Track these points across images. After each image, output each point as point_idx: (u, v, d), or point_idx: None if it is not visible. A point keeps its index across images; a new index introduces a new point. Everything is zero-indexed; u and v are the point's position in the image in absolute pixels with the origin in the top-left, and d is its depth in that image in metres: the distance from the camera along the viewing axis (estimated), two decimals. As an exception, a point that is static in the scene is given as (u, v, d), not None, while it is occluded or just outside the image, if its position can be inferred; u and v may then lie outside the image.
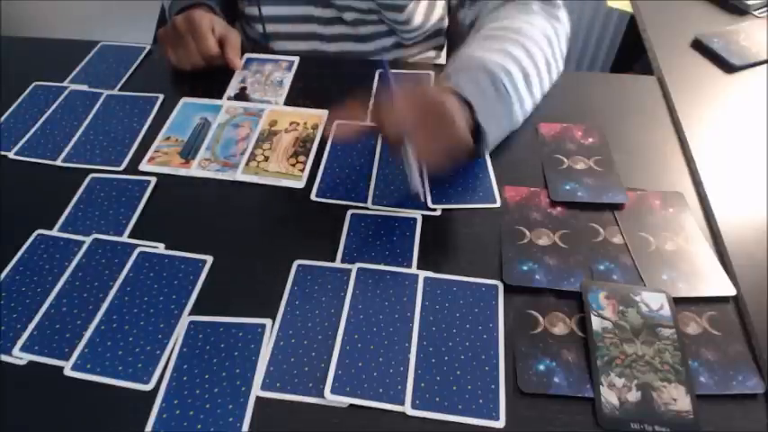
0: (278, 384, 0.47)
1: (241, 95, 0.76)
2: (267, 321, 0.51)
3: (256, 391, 0.46)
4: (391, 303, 0.52)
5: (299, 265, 0.55)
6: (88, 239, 0.58)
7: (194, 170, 0.66)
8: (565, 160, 0.64)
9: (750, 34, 0.82)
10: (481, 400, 0.45)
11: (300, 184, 0.63)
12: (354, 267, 0.54)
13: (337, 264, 0.55)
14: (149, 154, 0.68)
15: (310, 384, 0.47)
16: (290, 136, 0.69)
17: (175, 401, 0.46)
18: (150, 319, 0.51)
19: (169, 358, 0.49)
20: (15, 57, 0.84)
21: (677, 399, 0.45)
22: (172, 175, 0.65)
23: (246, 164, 0.66)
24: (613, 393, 0.45)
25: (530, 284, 0.53)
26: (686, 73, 0.77)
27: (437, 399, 0.45)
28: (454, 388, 0.46)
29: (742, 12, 0.88)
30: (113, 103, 0.75)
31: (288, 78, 0.78)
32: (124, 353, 0.49)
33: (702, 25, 0.84)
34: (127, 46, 0.85)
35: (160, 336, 0.50)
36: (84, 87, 0.77)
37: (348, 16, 0.84)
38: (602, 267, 0.54)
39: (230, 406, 0.46)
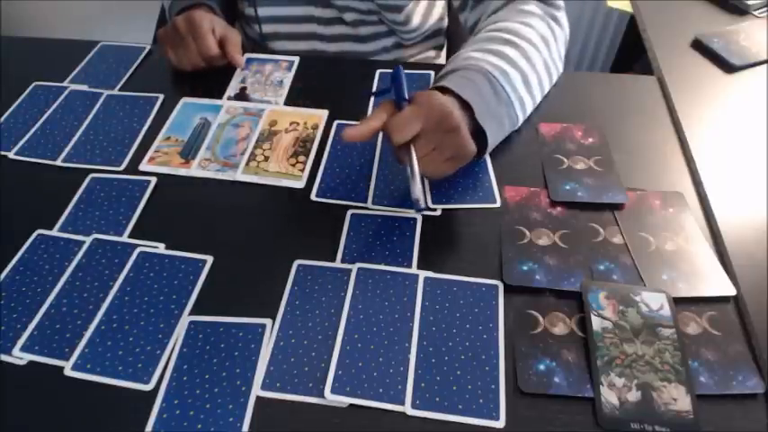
0: (278, 384, 0.47)
1: (241, 95, 0.76)
2: (267, 321, 0.51)
3: (256, 391, 0.46)
4: (391, 303, 0.52)
5: (299, 265, 0.55)
6: (88, 239, 0.58)
7: (194, 170, 0.66)
8: (565, 160, 0.64)
9: (750, 34, 0.82)
10: (481, 400, 0.45)
11: (300, 184, 0.63)
12: (354, 267, 0.55)
13: (337, 264, 0.55)
14: (149, 154, 0.68)
15: (310, 384, 0.47)
16: (290, 136, 0.69)
17: (175, 401, 0.46)
18: (150, 319, 0.51)
19: (169, 358, 0.49)
20: (15, 57, 0.84)
21: (677, 399, 0.45)
22: (172, 175, 0.65)
23: (246, 164, 0.66)
24: (613, 393, 0.45)
25: (530, 284, 0.53)
26: (686, 73, 0.77)
27: (437, 399, 0.45)
28: (454, 388, 0.46)
29: (742, 12, 0.88)
30: (113, 103, 0.75)
31: (288, 78, 0.78)
32: (124, 353, 0.49)
33: (702, 25, 0.84)
34: (127, 46, 0.85)
35: (160, 336, 0.50)
36: (84, 87, 0.77)
37: (348, 17, 0.84)
38: (602, 267, 0.54)
39: (230, 406, 0.46)
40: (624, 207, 0.59)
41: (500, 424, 0.44)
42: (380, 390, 0.46)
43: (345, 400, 0.46)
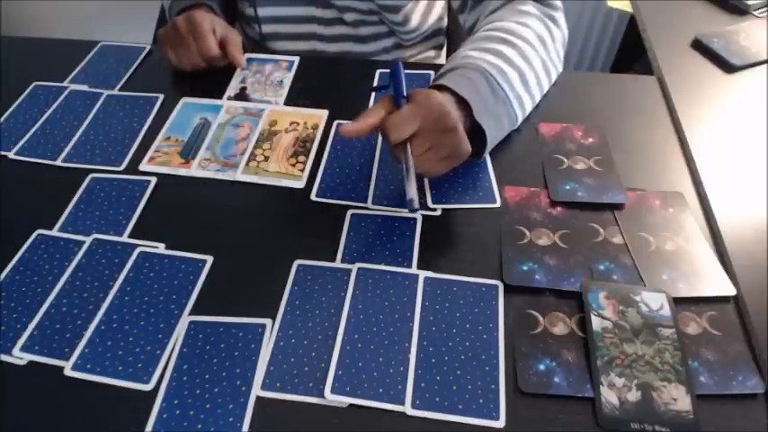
0: (278, 384, 0.47)
1: (241, 95, 0.76)
2: (267, 321, 0.51)
3: (256, 391, 0.46)
4: (391, 303, 0.52)
5: (299, 265, 0.55)
6: (88, 239, 0.58)
7: (194, 170, 0.66)
8: (565, 160, 0.64)
9: (750, 34, 0.82)
10: (481, 400, 0.45)
11: (300, 184, 0.63)
12: (354, 267, 0.55)
13: (337, 264, 0.55)
14: (149, 154, 0.68)
15: (310, 384, 0.47)
16: (290, 136, 0.69)
17: (175, 401, 0.46)
18: (150, 319, 0.51)
19: (169, 358, 0.49)
20: (15, 57, 0.84)
21: (677, 399, 0.45)
22: (172, 175, 0.65)
23: (246, 164, 0.66)
24: (613, 393, 0.45)
25: (530, 284, 0.53)
26: (686, 73, 0.77)
27: (437, 399, 0.45)
28: (454, 388, 0.46)
29: (742, 12, 0.88)
30: (113, 103, 0.75)
31: (288, 78, 0.78)
32: (124, 353, 0.49)
33: (702, 25, 0.84)
34: (127, 46, 0.85)
35: (160, 336, 0.50)
36: (85, 87, 0.77)
37: (349, 17, 0.84)
38: (602, 267, 0.54)
39: (230, 406, 0.46)
40: (624, 207, 0.59)
41: (500, 424, 0.44)
42: (380, 390, 0.46)
43: (345, 400, 0.46)
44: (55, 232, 0.59)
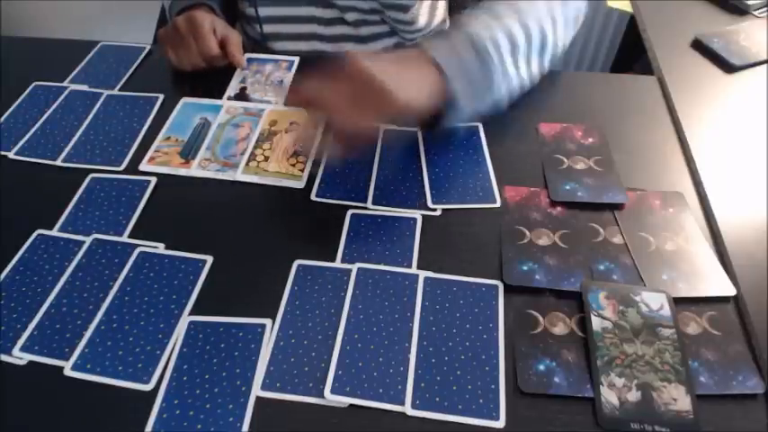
0: (278, 384, 0.47)
1: (241, 95, 0.76)
2: (267, 321, 0.51)
3: (256, 391, 0.46)
4: (391, 303, 0.52)
5: (299, 265, 0.55)
6: (88, 239, 0.58)
7: (194, 170, 0.66)
8: (565, 160, 0.64)
9: (750, 34, 0.82)
10: (481, 400, 0.45)
11: (300, 184, 0.63)
12: (354, 267, 0.55)
13: (337, 264, 0.55)
14: (149, 154, 0.68)
15: (310, 384, 0.47)
16: (290, 136, 0.69)
17: (175, 401, 0.46)
18: (150, 319, 0.51)
19: (169, 358, 0.49)
20: (15, 57, 0.84)
21: (677, 399, 0.45)
22: (172, 175, 0.65)
23: (246, 164, 0.66)
24: (613, 393, 0.45)
25: (530, 284, 0.53)
26: (686, 73, 0.77)
27: (437, 399, 0.45)
28: (454, 388, 0.46)
29: (742, 12, 0.88)
30: (113, 103, 0.75)
31: (288, 78, 0.78)
32: (124, 353, 0.49)
33: (702, 25, 0.84)
34: (127, 46, 0.85)
35: (160, 336, 0.50)
36: (85, 87, 0.77)
37: (350, 17, 0.84)
38: (602, 267, 0.54)
39: (230, 406, 0.46)
40: (624, 207, 0.59)
41: (500, 424, 0.44)
42: (380, 390, 0.46)
43: (345, 401, 0.46)
44: (55, 232, 0.59)
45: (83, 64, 0.82)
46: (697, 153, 0.64)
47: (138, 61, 0.82)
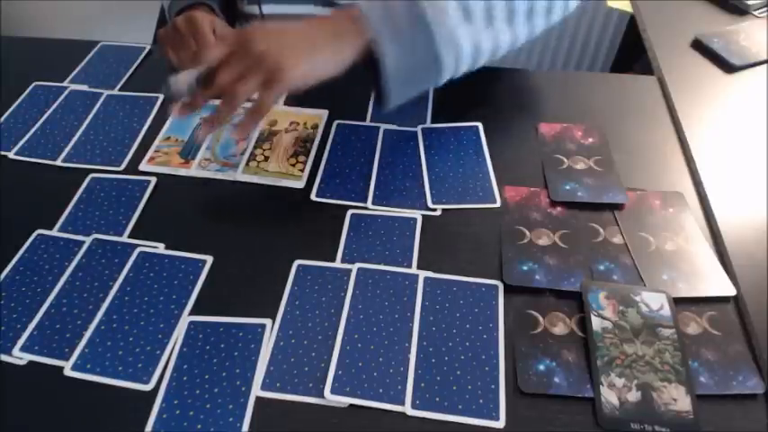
0: (278, 384, 0.47)
1: (241, 95, 0.76)
2: (267, 321, 0.51)
3: (256, 391, 0.46)
4: (391, 303, 0.52)
5: (299, 265, 0.55)
6: (88, 239, 0.58)
7: (194, 170, 0.66)
8: (565, 160, 0.64)
9: (750, 34, 0.82)
10: (481, 400, 0.45)
11: (300, 184, 0.63)
12: (354, 267, 0.54)
13: (337, 264, 0.55)
14: (149, 154, 0.68)
15: (310, 384, 0.47)
16: (290, 136, 0.69)
17: (175, 401, 0.46)
18: (150, 319, 0.51)
19: (169, 358, 0.49)
20: (15, 57, 0.84)
21: (677, 399, 0.45)
22: (172, 175, 0.65)
23: (246, 164, 0.66)
24: (613, 393, 0.45)
25: (530, 284, 0.53)
26: (686, 73, 0.77)
27: (437, 399, 0.45)
28: (454, 388, 0.46)
29: (742, 12, 0.88)
30: (113, 103, 0.75)
31: (288, 78, 0.78)
32: (124, 353, 0.49)
33: (702, 25, 0.84)
34: (127, 46, 0.85)
35: (160, 336, 0.50)
36: (85, 87, 0.77)
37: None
38: (602, 267, 0.54)
39: (230, 406, 0.46)
40: (624, 207, 0.59)
41: (500, 424, 0.44)
42: (380, 390, 0.46)
43: (345, 401, 0.46)
44: (55, 232, 0.59)
45: (83, 64, 0.82)
46: (697, 153, 0.64)
47: (138, 61, 0.82)
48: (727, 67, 0.77)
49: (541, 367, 0.47)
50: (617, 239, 0.56)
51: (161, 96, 0.75)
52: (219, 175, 0.65)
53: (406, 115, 0.71)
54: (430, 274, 0.54)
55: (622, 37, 1.58)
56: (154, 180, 0.64)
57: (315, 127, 0.70)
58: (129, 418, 0.45)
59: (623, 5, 1.41)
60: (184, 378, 0.47)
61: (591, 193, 0.60)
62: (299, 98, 0.74)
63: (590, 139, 0.67)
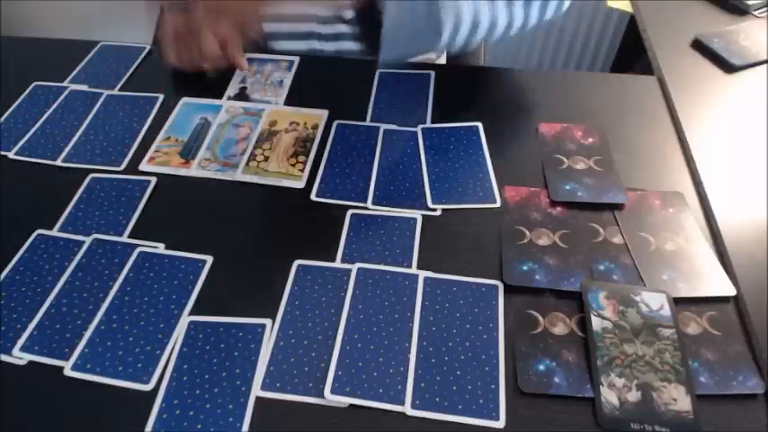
0: (278, 384, 0.47)
1: (241, 95, 0.76)
2: (267, 321, 0.51)
3: (256, 391, 0.46)
4: (391, 303, 0.52)
5: (299, 265, 0.55)
6: (88, 239, 0.58)
7: (194, 170, 0.66)
8: (565, 160, 0.64)
9: (750, 34, 0.82)
10: (481, 400, 0.45)
11: (300, 184, 0.63)
12: (354, 267, 0.54)
13: (337, 264, 0.55)
14: (149, 154, 0.68)
15: (310, 384, 0.47)
16: (290, 136, 0.69)
17: (175, 401, 0.46)
18: (150, 319, 0.51)
19: (169, 358, 0.49)
20: (15, 57, 0.84)
21: (677, 399, 0.45)
22: (172, 175, 0.65)
23: (246, 164, 0.66)
24: (613, 393, 0.45)
25: (530, 284, 0.53)
26: (686, 73, 0.77)
27: (437, 399, 0.45)
28: (454, 388, 0.46)
29: (742, 12, 0.88)
30: (113, 103, 0.75)
31: (288, 78, 0.78)
32: (124, 353, 0.49)
33: (702, 25, 0.84)
34: (127, 46, 0.85)
35: (160, 336, 0.50)
36: (84, 87, 0.77)
37: (349, 14, 0.84)
38: (602, 267, 0.54)
39: (230, 406, 0.46)
40: (624, 207, 0.59)
41: (500, 424, 0.44)
42: (380, 390, 0.46)
43: (345, 401, 0.46)
44: (55, 232, 0.59)
45: (83, 64, 0.82)
46: (697, 153, 0.64)
47: (138, 61, 0.82)
48: (727, 67, 0.77)
49: (541, 367, 0.47)
50: (617, 239, 0.56)
51: (161, 96, 0.75)
52: (219, 175, 0.65)
53: (406, 115, 0.71)
54: (430, 274, 0.54)
55: (622, 37, 1.59)
56: (154, 180, 0.64)
57: (315, 127, 0.70)
58: (129, 418, 0.45)
59: (623, 5, 1.41)
60: (184, 378, 0.47)
61: (591, 193, 0.60)
62: (300, 98, 0.75)
63: (590, 139, 0.67)
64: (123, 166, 0.66)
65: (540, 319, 0.50)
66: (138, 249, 0.57)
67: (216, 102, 0.75)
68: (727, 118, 0.70)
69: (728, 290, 0.51)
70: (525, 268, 0.54)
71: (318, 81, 0.78)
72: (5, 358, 0.49)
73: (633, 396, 0.45)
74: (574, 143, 0.67)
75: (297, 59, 0.81)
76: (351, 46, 0.88)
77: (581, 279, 0.53)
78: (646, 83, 0.76)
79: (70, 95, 0.76)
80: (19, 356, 0.49)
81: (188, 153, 0.68)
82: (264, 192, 0.63)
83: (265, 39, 0.88)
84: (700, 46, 0.81)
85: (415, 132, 0.69)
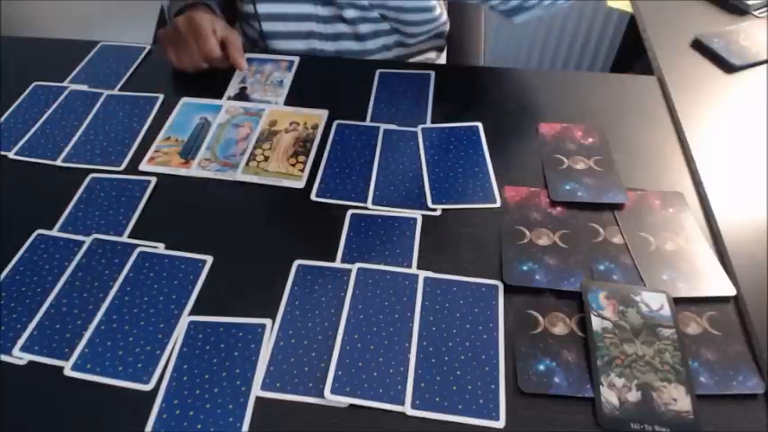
0: (278, 384, 0.47)
1: (241, 95, 0.76)
2: (267, 321, 0.51)
3: (256, 391, 0.46)
4: (391, 303, 0.52)
5: (299, 265, 0.55)
6: (88, 239, 0.58)
7: (194, 170, 0.66)
8: (565, 160, 0.64)
9: (750, 34, 0.82)
10: (481, 400, 0.45)
11: (300, 184, 0.63)
12: (354, 267, 0.54)
13: (337, 264, 0.55)
14: (149, 154, 0.68)
15: (310, 384, 0.47)
16: (290, 136, 0.69)
17: (175, 401, 0.46)
18: (150, 319, 0.51)
19: (169, 358, 0.49)
20: (15, 57, 0.84)
21: (677, 399, 0.45)
22: (172, 175, 0.65)
23: (246, 164, 0.66)
24: (613, 393, 0.45)
25: (530, 284, 0.53)
26: (686, 73, 0.77)
27: (437, 399, 0.45)
28: (454, 388, 0.46)
29: (742, 12, 0.88)
30: (113, 103, 0.75)
31: (288, 78, 0.78)
32: (124, 353, 0.49)
33: (702, 25, 0.84)
34: (127, 46, 0.85)
35: (160, 336, 0.50)
36: (84, 87, 0.77)
37: (348, 14, 0.84)
38: (602, 267, 0.54)
39: (230, 406, 0.46)
40: (624, 207, 0.59)
41: (500, 424, 0.44)
42: (380, 390, 0.46)
43: (345, 401, 0.46)
44: (55, 232, 0.59)
45: (83, 64, 0.82)
46: (697, 153, 0.64)
47: (138, 61, 0.82)
48: (727, 67, 0.77)
49: (541, 367, 0.47)
50: (617, 239, 0.56)
51: (161, 96, 0.75)
52: (219, 175, 0.65)
53: (406, 115, 0.71)
54: (430, 274, 0.54)
55: (622, 37, 1.59)
56: (154, 180, 0.64)
57: (315, 127, 0.70)
58: (129, 418, 0.45)
59: (623, 5, 1.41)
60: (184, 378, 0.47)
61: (591, 193, 0.60)
62: (300, 98, 0.75)
63: (590, 139, 0.67)
64: (123, 166, 0.66)
65: (540, 319, 0.50)
66: (138, 249, 0.57)
67: (216, 102, 0.75)
68: (727, 118, 0.70)
69: (728, 290, 0.51)
70: (525, 268, 0.54)
71: (318, 81, 0.78)
72: (5, 358, 0.49)
73: (633, 396, 0.45)
74: (574, 143, 0.67)
75: (297, 59, 0.81)
76: (351, 46, 0.88)
77: (581, 279, 0.53)
78: (646, 83, 0.76)
79: (70, 95, 0.76)
80: (19, 356, 0.49)
81: (188, 153, 0.68)
82: (264, 192, 0.63)
83: (265, 39, 0.89)
84: (700, 46, 0.81)
85: (415, 132, 0.69)
